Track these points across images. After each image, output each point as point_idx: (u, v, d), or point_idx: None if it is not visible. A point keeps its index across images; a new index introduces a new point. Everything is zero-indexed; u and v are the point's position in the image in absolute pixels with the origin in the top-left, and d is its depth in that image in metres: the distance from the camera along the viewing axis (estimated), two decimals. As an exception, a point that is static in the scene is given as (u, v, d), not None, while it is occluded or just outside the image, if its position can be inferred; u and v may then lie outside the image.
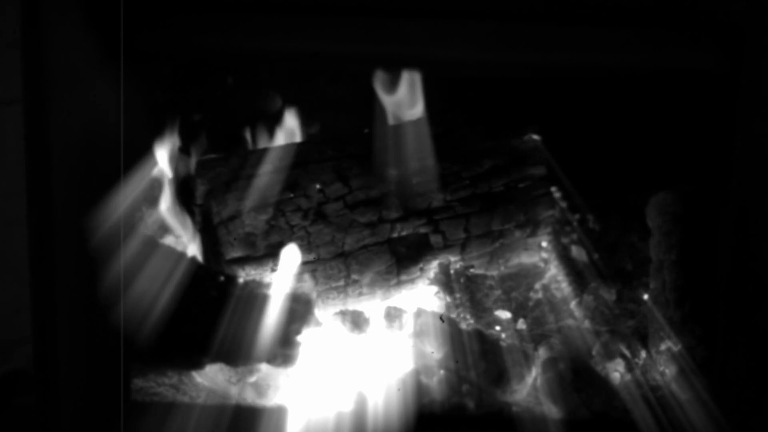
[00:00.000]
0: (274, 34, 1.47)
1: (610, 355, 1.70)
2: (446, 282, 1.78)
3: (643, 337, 1.72)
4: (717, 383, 1.54)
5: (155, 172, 1.73)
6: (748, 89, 1.40)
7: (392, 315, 1.75)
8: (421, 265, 1.76)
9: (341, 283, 1.72)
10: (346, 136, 1.83)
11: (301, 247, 1.69)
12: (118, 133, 1.54)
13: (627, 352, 1.70)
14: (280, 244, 1.68)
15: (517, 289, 1.84)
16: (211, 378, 1.66)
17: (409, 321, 1.74)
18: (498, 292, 1.81)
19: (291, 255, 1.69)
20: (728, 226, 1.48)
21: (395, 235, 1.74)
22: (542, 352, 1.71)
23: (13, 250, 1.44)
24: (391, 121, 1.78)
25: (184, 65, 1.83)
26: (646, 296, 1.76)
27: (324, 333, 1.71)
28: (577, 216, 1.86)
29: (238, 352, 1.61)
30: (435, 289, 1.79)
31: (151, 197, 1.73)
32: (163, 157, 1.75)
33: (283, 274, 1.69)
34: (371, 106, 1.77)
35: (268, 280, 1.68)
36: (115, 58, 1.49)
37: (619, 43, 1.45)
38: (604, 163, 1.83)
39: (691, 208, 1.66)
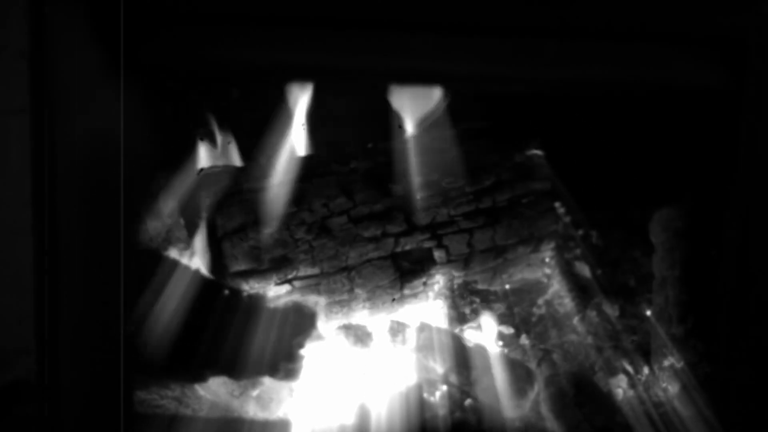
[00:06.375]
0: (279, 47, 1.48)
1: (612, 370, 1.70)
2: (450, 297, 1.78)
3: (645, 353, 1.73)
4: (719, 399, 1.55)
5: (159, 182, 1.73)
6: (752, 105, 1.41)
7: (395, 329, 1.75)
8: (424, 279, 1.76)
9: (345, 297, 1.72)
10: (351, 151, 1.83)
11: (304, 261, 1.69)
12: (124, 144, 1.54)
13: (629, 368, 1.71)
14: (284, 258, 1.68)
15: (520, 304, 1.84)
16: (214, 391, 1.65)
17: (412, 335, 1.74)
18: (501, 307, 1.82)
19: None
20: (731, 241, 1.48)
21: (399, 249, 1.74)
22: (545, 368, 1.71)
23: (16, 259, 1.44)
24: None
25: (190, 77, 1.84)
26: (648, 312, 1.76)
27: (327, 347, 1.72)
28: (580, 231, 1.86)
29: (241, 365, 1.61)
30: (438, 303, 1.79)
31: (155, 209, 1.73)
32: (167, 167, 1.76)
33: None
34: (376, 120, 1.78)
35: (271, 293, 1.68)
36: (121, 70, 1.50)
37: (623, 58, 1.46)
38: (608, 178, 1.83)
39: (694, 224, 1.66)
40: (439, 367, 1.69)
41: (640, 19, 1.40)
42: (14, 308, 1.44)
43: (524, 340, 1.78)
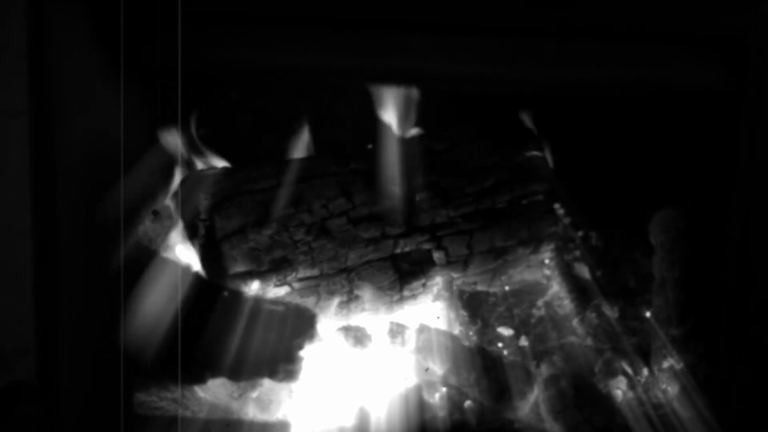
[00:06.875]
0: (279, 47, 1.48)
1: (612, 372, 1.70)
2: (449, 298, 1.78)
3: (645, 355, 1.72)
4: (719, 401, 1.54)
5: (159, 184, 1.73)
6: (752, 105, 1.41)
7: (395, 331, 1.75)
8: (423, 281, 1.76)
9: (344, 298, 1.72)
10: (350, 152, 1.83)
11: (304, 262, 1.69)
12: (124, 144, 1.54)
13: (629, 370, 1.70)
14: (284, 259, 1.68)
15: (519, 305, 1.84)
16: (213, 393, 1.65)
17: (411, 337, 1.74)
18: (501, 309, 1.82)
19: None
20: (731, 241, 1.48)
21: (398, 251, 1.74)
22: (544, 369, 1.70)
23: (15, 260, 1.44)
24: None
25: (189, 78, 1.84)
26: (648, 313, 1.76)
27: (326, 348, 1.71)
28: (580, 233, 1.87)
29: (240, 367, 1.61)
30: (438, 305, 1.79)
31: (155, 210, 1.73)
32: (166, 170, 1.76)
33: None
34: (375, 122, 1.78)
35: (271, 294, 1.68)
36: (121, 70, 1.50)
37: (623, 58, 1.46)
38: (608, 179, 1.83)
39: (694, 225, 1.67)
40: (438, 369, 1.69)
41: (640, 19, 1.40)
42: (14, 308, 1.45)
43: (524, 341, 1.77)
